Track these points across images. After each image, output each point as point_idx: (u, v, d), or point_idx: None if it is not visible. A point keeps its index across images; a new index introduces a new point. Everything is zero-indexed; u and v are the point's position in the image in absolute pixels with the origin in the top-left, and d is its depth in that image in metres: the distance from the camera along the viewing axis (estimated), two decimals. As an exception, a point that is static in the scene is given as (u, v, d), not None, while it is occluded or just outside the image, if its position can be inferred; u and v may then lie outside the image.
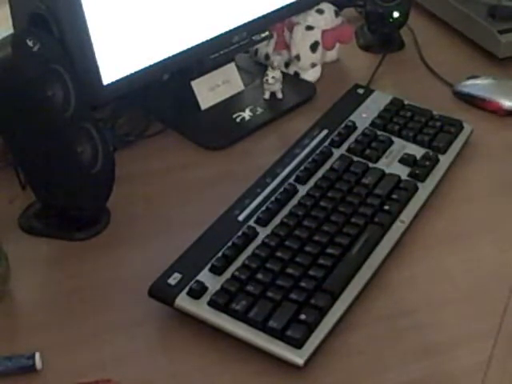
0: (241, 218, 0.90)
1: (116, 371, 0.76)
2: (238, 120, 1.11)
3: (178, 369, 0.77)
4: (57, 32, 0.90)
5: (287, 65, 1.21)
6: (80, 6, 0.89)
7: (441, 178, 0.98)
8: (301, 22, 1.18)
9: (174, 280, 0.81)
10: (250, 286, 0.80)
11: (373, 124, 1.05)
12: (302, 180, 0.95)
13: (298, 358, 0.75)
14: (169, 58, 1.01)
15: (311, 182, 0.95)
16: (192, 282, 0.80)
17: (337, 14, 1.21)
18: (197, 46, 1.04)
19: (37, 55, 0.83)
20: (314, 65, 1.20)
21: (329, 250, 0.84)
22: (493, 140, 1.07)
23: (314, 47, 1.18)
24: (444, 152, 1.01)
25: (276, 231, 0.87)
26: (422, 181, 0.96)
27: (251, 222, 0.89)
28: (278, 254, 0.84)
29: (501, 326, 0.81)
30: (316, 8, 1.19)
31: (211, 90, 1.13)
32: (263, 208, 0.90)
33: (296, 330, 0.76)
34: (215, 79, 1.13)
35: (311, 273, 0.82)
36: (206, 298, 0.79)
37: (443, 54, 1.27)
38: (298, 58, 1.19)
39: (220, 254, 0.84)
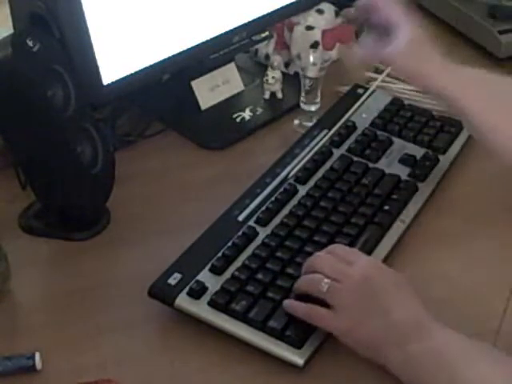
0: (241, 218, 0.90)
1: (116, 371, 0.76)
2: (238, 120, 1.11)
3: (177, 369, 0.77)
4: (57, 32, 0.89)
5: (287, 65, 1.21)
6: (80, 5, 0.89)
7: (441, 178, 0.98)
8: (301, 22, 1.18)
9: (174, 280, 0.81)
10: (250, 286, 0.80)
11: (373, 124, 1.05)
12: (301, 180, 0.95)
13: (297, 357, 0.75)
14: (169, 58, 1.01)
15: (311, 182, 0.95)
16: (192, 282, 0.80)
17: (337, 14, 1.21)
18: (197, 46, 1.04)
19: (37, 55, 0.83)
20: (314, 64, 1.19)
21: (329, 250, 0.84)
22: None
23: (314, 47, 1.18)
24: (444, 152, 1.01)
25: (276, 231, 0.87)
26: (422, 181, 0.96)
27: (251, 222, 0.89)
28: (278, 254, 0.84)
29: (501, 326, 0.81)
30: (316, 8, 1.19)
31: (211, 90, 1.13)
32: (263, 208, 0.90)
33: (296, 330, 0.76)
34: (215, 79, 1.13)
35: (311, 273, 0.82)
36: (206, 298, 0.79)
37: (443, 54, 1.27)
38: (298, 57, 1.18)
39: (220, 254, 0.84)
